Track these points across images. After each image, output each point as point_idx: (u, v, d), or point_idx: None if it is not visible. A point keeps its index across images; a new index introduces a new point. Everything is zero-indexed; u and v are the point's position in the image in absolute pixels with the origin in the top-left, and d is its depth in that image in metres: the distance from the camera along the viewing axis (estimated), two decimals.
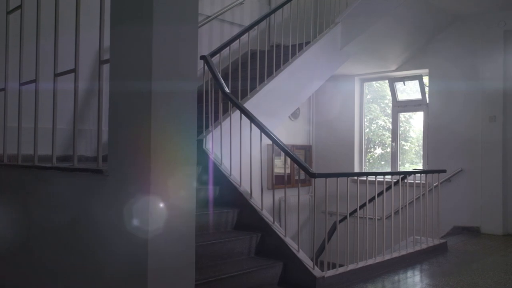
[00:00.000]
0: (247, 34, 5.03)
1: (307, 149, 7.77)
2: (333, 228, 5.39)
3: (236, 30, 5.85)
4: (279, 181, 6.73)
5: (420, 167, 7.28)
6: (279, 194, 6.91)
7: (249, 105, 4.71)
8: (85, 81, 4.60)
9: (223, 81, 4.34)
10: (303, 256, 3.62)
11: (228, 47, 4.80)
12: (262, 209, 3.93)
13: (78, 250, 2.65)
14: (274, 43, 5.50)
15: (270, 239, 3.77)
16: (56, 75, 3.04)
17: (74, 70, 2.87)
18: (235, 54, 5.45)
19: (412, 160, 7.65)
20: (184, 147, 2.23)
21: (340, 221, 5.52)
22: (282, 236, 3.71)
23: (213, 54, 4.64)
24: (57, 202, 2.89)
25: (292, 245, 3.68)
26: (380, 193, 4.52)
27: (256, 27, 5.24)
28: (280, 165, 6.81)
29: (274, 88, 5.12)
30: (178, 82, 2.26)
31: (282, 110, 5.38)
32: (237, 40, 4.90)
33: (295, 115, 7.54)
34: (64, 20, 3.05)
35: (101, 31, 2.63)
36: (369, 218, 4.71)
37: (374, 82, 7.83)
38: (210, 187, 4.15)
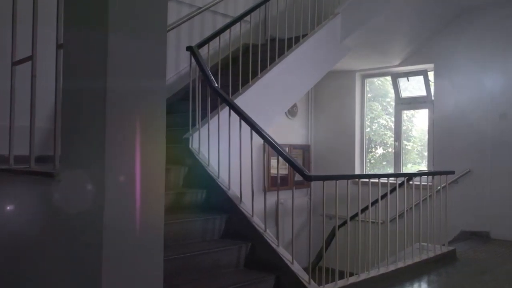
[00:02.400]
0: (240, 27, 4.65)
1: (305, 149, 7.38)
2: (332, 234, 5.01)
3: (228, 22, 5.46)
4: (276, 183, 6.38)
5: (422, 167, 6.90)
6: (275, 197, 6.56)
7: (241, 101, 4.33)
8: None
9: (211, 74, 3.96)
10: (297, 268, 3.23)
11: (218, 38, 4.40)
12: (252, 215, 3.54)
13: (23, 266, 2.27)
14: (269, 36, 5.12)
15: (261, 249, 3.39)
16: (14, 63, 2.66)
17: (31, 58, 2.49)
18: (229, 49, 5.07)
19: (415, 160, 7.26)
20: (148, 149, 1.85)
21: (340, 226, 5.15)
22: (274, 246, 3.33)
23: (201, 45, 4.26)
24: (12, 207, 2.52)
25: (286, 256, 3.29)
26: (383, 196, 4.14)
27: (249, 17, 4.86)
28: (276, 166, 6.44)
29: (268, 83, 4.74)
30: (141, 80, 1.89)
31: (277, 106, 5.00)
32: (228, 31, 4.52)
33: (292, 113, 7.16)
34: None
35: (59, 11, 2.25)
36: (371, 222, 4.34)
37: (375, 80, 7.44)
38: (196, 190, 3.77)
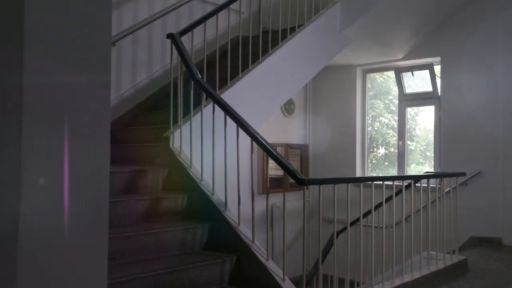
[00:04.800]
0: (229, 16, 4.23)
1: (303, 148, 6.95)
2: (331, 242, 4.58)
3: (220, 13, 5.03)
4: (273, 185, 5.96)
5: (426, 168, 6.46)
6: (271, 199, 6.12)
7: (229, 95, 3.90)
8: None
9: (193, 64, 3.53)
10: (289, 286, 2.79)
11: (203, 25, 3.97)
12: (239, 224, 3.11)
13: None
14: (261, 27, 4.69)
15: (248, 263, 2.95)
16: None
17: None
18: (216, 38, 4.64)
19: (418, 160, 6.83)
20: (86, 153, 1.42)
21: (341, 231, 4.72)
22: (263, 260, 2.89)
23: (184, 32, 3.83)
24: None
25: (277, 271, 2.85)
26: (388, 200, 3.70)
27: (239, 7, 4.44)
28: (273, 167, 6.03)
29: (261, 76, 4.31)
30: (74, 75, 1.46)
31: (271, 102, 4.55)
32: (216, 22, 4.08)
33: (289, 110, 6.73)
34: None
35: None
36: (374, 228, 3.91)
37: (377, 76, 7.00)
38: (176, 195, 3.33)
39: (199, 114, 3.57)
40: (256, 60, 4.31)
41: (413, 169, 6.66)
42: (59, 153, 1.35)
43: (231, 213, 3.17)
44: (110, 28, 1.55)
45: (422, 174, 4.41)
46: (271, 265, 2.88)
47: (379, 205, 3.71)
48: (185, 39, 3.90)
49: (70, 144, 1.38)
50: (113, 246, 2.69)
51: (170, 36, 3.71)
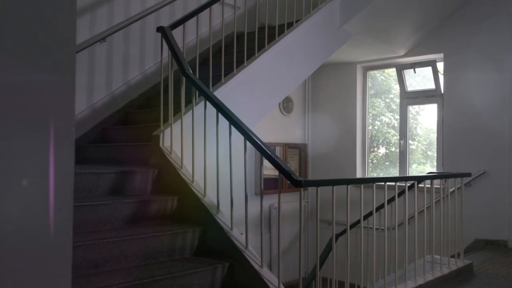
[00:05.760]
0: (223, 10, 4.05)
1: (302, 148, 6.76)
2: (329, 247, 4.40)
3: (215, 8, 4.83)
4: (270, 186, 5.79)
5: (428, 168, 6.28)
6: (269, 200, 5.95)
7: (223, 93, 3.73)
8: None
9: (185, 59, 3.34)
10: None
11: (196, 18, 3.79)
12: (232, 228, 2.92)
13: None
14: (257, 23, 4.50)
15: (241, 270, 2.76)
16: None
17: None
18: (215, 37, 4.46)
19: (419, 160, 6.64)
20: (41, 150, 1.24)
21: (341, 234, 4.54)
22: (257, 267, 2.70)
23: (175, 25, 3.65)
24: None
25: (271, 279, 2.66)
26: (389, 201, 3.52)
27: (235, 2, 4.26)
28: (272, 167, 5.85)
29: (256, 73, 4.13)
30: (28, 74, 1.27)
31: (268, 99, 4.36)
32: (209, 17, 3.90)
33: (287, 109, 6.54)
34: None
35: None
36: (375, 230, 3.73)
37: (378, 75, 6.82)
38: (165, 197, 3.14)
39: (191, 112, 3.39)
40: (251, 56, 4.13)
41: (414, 169, 6.48)
42: (17, 154, 1.16)
43: (223, 217, 2.98)
44: (74, 23, 1.36)
45: (425, 174, 4.22)
46: (266, 272, 2.70)
47: (381, 206, 3.53)
48: (178, 36, 3.72)
49: (30, 144, 1.19)
50: (95, 252, 2.52)
51: (160, 29, 3.52)
